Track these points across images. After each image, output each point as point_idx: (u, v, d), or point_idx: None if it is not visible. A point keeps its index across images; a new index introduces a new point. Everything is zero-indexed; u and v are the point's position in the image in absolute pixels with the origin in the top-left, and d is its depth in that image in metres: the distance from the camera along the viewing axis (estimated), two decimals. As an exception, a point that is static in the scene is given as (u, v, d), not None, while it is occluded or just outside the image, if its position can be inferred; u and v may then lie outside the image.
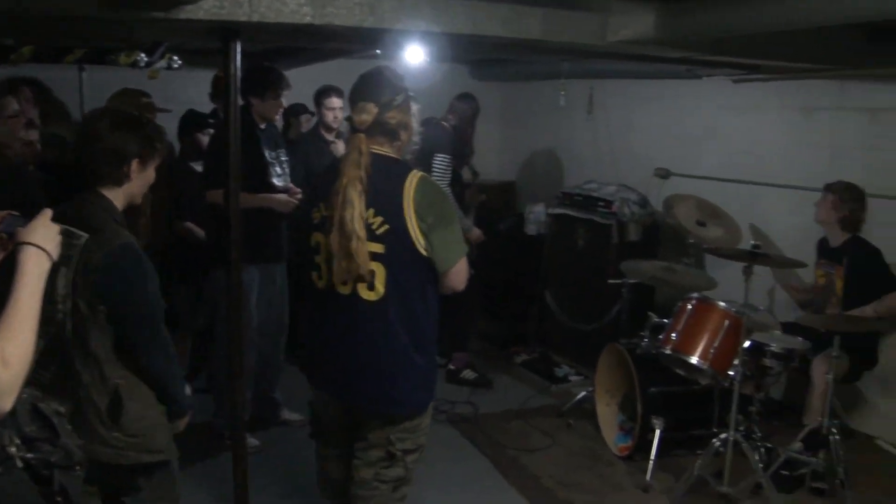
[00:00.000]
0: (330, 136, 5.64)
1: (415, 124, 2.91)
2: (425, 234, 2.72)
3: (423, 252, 2.74)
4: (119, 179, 2.59)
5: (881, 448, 5.19)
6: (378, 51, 4.99)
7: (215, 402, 4.88)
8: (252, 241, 4.06)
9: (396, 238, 2.72)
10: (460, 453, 4.87)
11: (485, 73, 8.00)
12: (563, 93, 6.64)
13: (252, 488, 3.87)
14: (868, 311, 4.66)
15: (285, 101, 4.84)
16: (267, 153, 4.66)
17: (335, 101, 5.59)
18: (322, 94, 5.67)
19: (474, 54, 6.97)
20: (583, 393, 5.45)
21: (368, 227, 2.71)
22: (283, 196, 4.64)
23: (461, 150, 6.07)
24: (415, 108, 2.91)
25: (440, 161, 5.73)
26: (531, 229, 7.21)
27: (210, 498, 4.18)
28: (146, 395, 2.62)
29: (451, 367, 6.12)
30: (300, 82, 5.67)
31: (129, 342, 2.54)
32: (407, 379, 2.87)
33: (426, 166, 5.74)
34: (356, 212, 2.68)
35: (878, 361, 5.07)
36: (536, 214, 7.19)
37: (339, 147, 5.64)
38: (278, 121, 5.14)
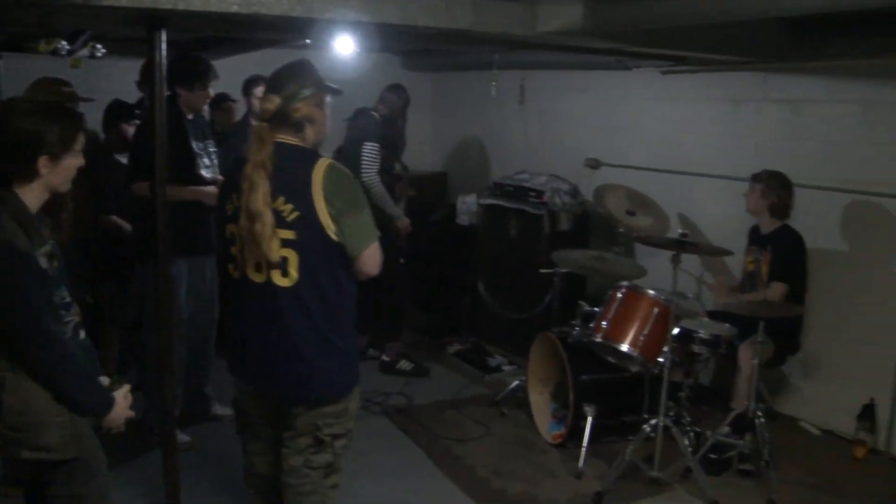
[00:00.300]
0: None
1: (324, 118, 2.92)
2: (335, 220, 2.76)
3: (334, 237, 2.78)
4: (29, 176, 2.53)
5: (804, 429, 5.32)
6: (308, 41, 4.93)
7: (145, 399, 4.79)
8: (180, 233, 3.99)
9: (307, 224, 2.75)
10: (394, 444, 4.86)
11: (416, 64, 7.98)
12: (494, 83, 6.65)
13: (184, 485, 3.83)
14: (759, 295, 4.83)
15: (212, 91, 4.77)
16: (195, 144, 4.58)
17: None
18: (251, 83, 5.60)
19: (405, 45, 6.95)
20: (516, 382, 5.48)
21: (278, 215, 2.74)
22: (211, 188, 4.56)
23: (392, 140, 6.05)
24: (326, 102, 2.92)
25: (369, 150, 5.72)
26: (463, 220, 7.23)
27: (141, 496, 4.10)
28: (32, 390, 2.53)
29: (386, 358, 6.10)
30: (229, 72, 5.60)
31: (4, 338, 2.49)
32: (326, 363, 2.90)
33: (356, 155, 5.72)
34: (260, 194, 2.71)
35: (801, 346, 5.21)
36: (468, 205, 7.21)
37: None
38: (205, 111, 5.05)
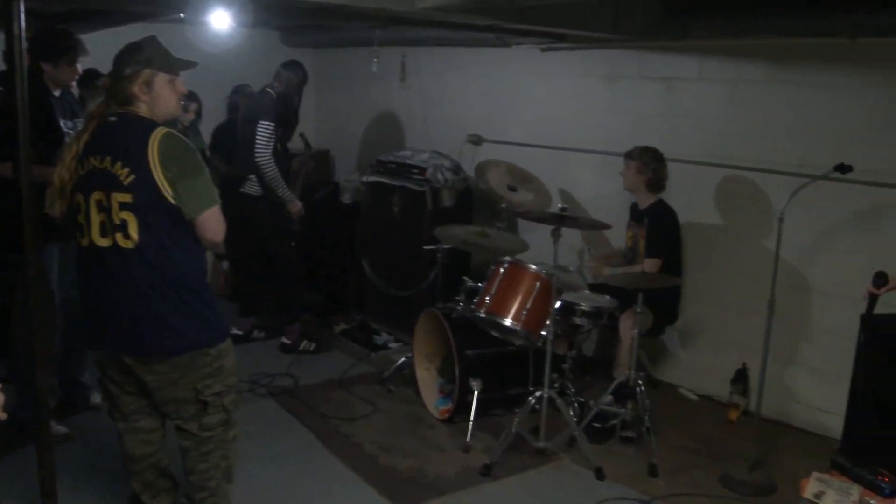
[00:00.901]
0: None
1: (161, 95, 3.05)
2: (172, 183, 2.90)
3: (172, 200, 2.91)
4: None
5: (683, 395, 5.53)
6: (182, 14, 4.79)
7: (16, 391, 4.59)
8: (49, 217, 3.81)
9: (143, 187, 2.89)
10: (281, 426, 4.80)
11: (296, 40, 7.85)
12: (376, 60, 6.61)
13: (65, 477, 3.69)
14: (635, 268, 4.99)
15: (81, 67, 4.56)
16: (62, 123, 4.38)
17: None
18: None
19: (283, 20, 6.82)
20: (402, 359, 5.50)
21: (116, 178, 2.89)
22: None
23: (287, 118, 5.94)
24: (163, 80, 3.04)
25: (263, 128, 5.59)
26: (347, 198, 7.17)
27: (15, 492, 3.93)
28: None
29: (286, 341, 6.04)
30: (101, 46, 5.37)
31: None
32: (177, 319, 3.03)
33: (250, 134, 5.60)
34: (73, 153, 2.98)
35: (678, 316, 5.39)
36: (351, 183, 7.16)
37: None
38: (74, 89, 4.83)
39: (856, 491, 3.24)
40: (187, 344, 3.06)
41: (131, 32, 5.50)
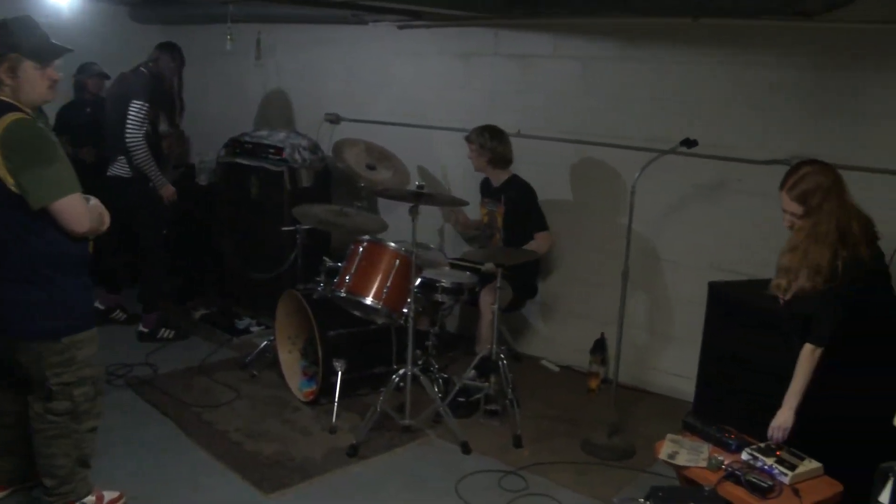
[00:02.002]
0: None
1: (22, 81, 2.97)
2: (13, 173, 2.89)
3: (14, 189, 2.92)
4: None
5: (545, 367, 5.65)
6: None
7: None
8: None
9: None
10: (141, 417, 4.63)
11: (144, 15, 7.55)
12: (229, 37, 6.43)
13: None
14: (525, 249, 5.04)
15: None
16: None
17: None
18: None
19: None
20: (264, 343, 5.40)
21: None
22: None
23: (164, 99, 5.70)
24: (28, 65, 2.96)
25: (136, 109, 5.36)
26: (202, 179, 6.99)
27: None
28: None
29: (143, 329, 5.83)
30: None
31: None
32: (31, 305, 3.07)
33: (121, 114, 5.36)
34: None
35: (538, 290, 5.49)
36: (207, 164, 6.98)
37: None
38: None
39: (706, 449, 3.38)
40: (37, 330, 3.09)
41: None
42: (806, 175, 3.27)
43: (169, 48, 5.74)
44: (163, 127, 5.98)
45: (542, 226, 5.12)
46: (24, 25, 2.97)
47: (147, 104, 5.43)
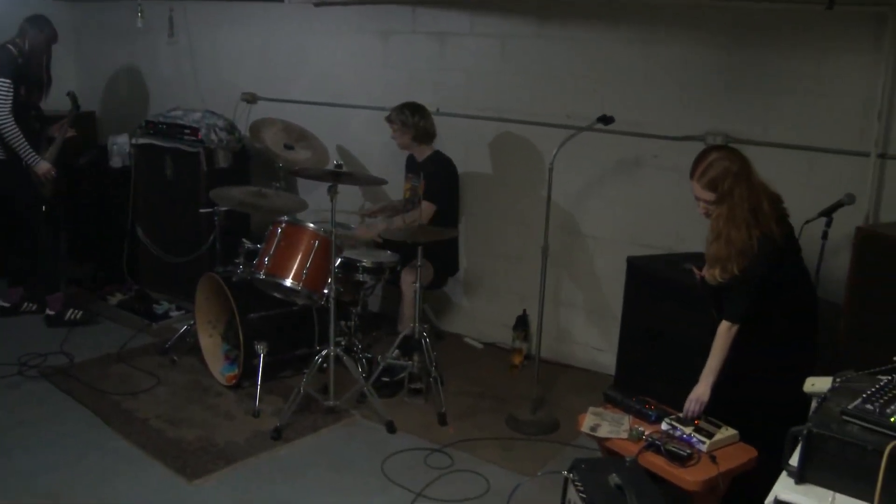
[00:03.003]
0: None
1: None
2: None
3: None
4: None
5: (468, 344, 5.69)
6: None
7: None
8: None
9: None
10: (57, 408, 4.50)
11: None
12: (140, 14, 6.27)
13: None
14: (397, 222, 5.07)
15: None
16: None
17: None
18: None
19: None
20: (184, 327, 5.31)
21: None
22: None
23: (36, 77, 5.49)
24: None
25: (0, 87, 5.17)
26: (116, 162, 6.79)
27: None
28: None
29: (50, 312, 5.68)
30: None
31: None
32: None
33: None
34: None
35: (459, 267, 5.51)
36: (120, 146, 6.78)
37: None
38: None
39: (626, 420, 3.45)
40: None
41: None
42: (713, 162, 3.33)
43: (36, 22, 5.51)
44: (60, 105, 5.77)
45: (432, 197, 5.02)
46: None
47: (9, 81, 5.24)
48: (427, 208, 5.01)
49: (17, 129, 5.26)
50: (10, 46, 5.33)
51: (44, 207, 5.67)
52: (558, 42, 5.08)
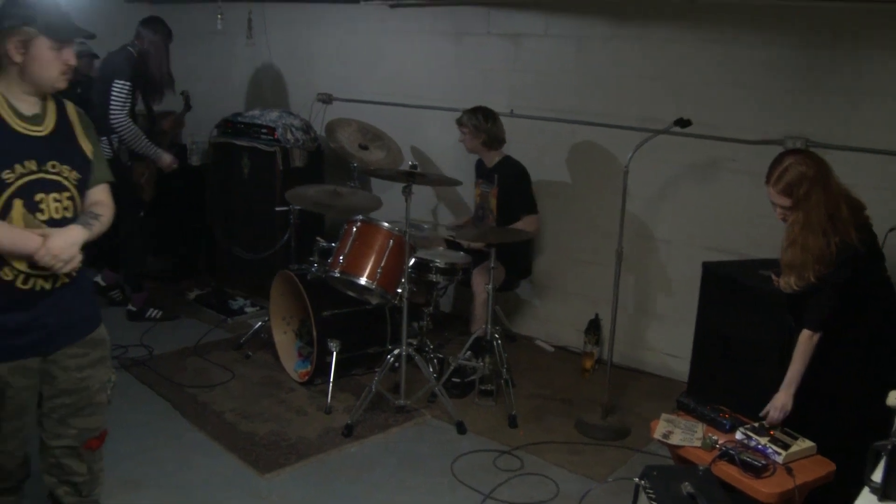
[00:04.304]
0: None
1: (38, 58, 2.60)
2: None
3: None
4: None
5: (539, 347, 5.67)
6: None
7: None
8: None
9: None
10: (136, 399, 4.62)
11: (134, -5, 7.50)
12: (220, 17, 6.39)
13: None
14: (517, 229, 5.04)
15: None
16: None
17: None
18: None
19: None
20: (259, 323, 5.40)
21: None
22: None
23: (151, 77, 5.64)
24: (42, 42, 2.58)
25: (118, 88, 5.32)
26: (194, 160, 6.95)
27: None
28: None
29: (132, 308, 5.83)
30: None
31: None
32: None
33: (105, 95, 5.32)
34: None
35: (531, 270, 5.49)
36: (199, 144, 6.94)
37: None
38: None
39: (700, 428, 3.39)
40: None
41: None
42: (789, 166, 3.26)
43: (151, 23, 5.66)
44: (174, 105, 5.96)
45: (530, 208, 5.12)
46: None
47: (129, 83, 5.38)
48: (530, 220, 5.02)
49: (135, 128, 5.42)
50: (130, 48, 5.49)
51: (142, 213, 5.82)
52: (634, 43, 5.03)
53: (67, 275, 2.70)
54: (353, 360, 4.91)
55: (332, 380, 4.62)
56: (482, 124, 5.09)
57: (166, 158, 5.65)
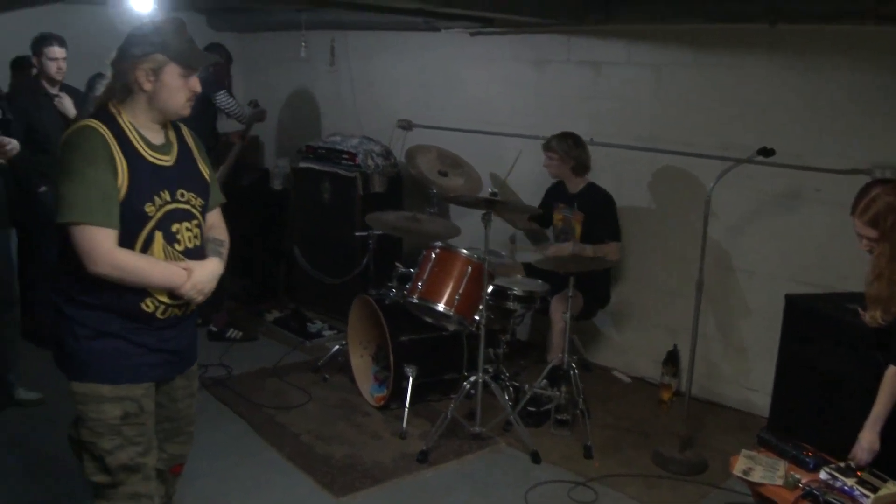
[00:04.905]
0: (53, 90, 5.22)
1: (167, 85, 2.58)
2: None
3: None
4: None
5: (616, 378, 5.60)
6: (103, -5, 4.65)
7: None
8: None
9: None
10: (215, 417, 4.72)
11: (222, 23, 7.70)
12: (303, 44, 6.52)
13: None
14: (588, 250, 5.00)
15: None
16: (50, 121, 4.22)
17: (57, 51, 5.13)
18: (41, 42, 5.17)
19: (209, 2, 6.69)
20: (336, 346, 5.46)
21: None
22: None
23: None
24: (172, 69, 2.58)
25: (222, 98, 5.58)
26: (276, 184, 7.09)
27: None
28: None
29: (213, 328, 5.96)
30: (18, 29, 5.23)
31: None
32: (55, 322, 2.69)
33: (204, 111, 5.51)
34: None
35: (610, 299, 5.45)
36: (281, 169, 7.09)
37: (66, 103, 5.23)
38: None
39: (782, 466, 3.31)
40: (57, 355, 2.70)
41: (50, 14, 5.39)
42: (876, 197, 3.17)
43: (214, 49, 5.91)
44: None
45: (615, 235, 5.08)
46: (174, 26, 2.63)
47: (224, 89, 5.72)
48: (615, 247, 5.00)
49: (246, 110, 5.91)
50: (209, 68, 5.68)
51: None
52: (716, 70, 4.98)
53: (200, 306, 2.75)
54: (429, 385, 4.92)
55: (407, 405, 4.64)
56: (572, 150, 5.09)
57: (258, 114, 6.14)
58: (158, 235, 2.59)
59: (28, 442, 4.27)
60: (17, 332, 4.75)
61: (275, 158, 7.34)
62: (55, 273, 2.65)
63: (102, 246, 2.46)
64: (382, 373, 5.05)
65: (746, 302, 5.03)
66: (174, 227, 2.63)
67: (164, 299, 2.63)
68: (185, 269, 2.62)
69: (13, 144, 4.35)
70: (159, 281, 2.58)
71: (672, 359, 5.17)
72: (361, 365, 5.17)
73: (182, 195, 2.67)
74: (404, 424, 4.58)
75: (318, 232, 6.56)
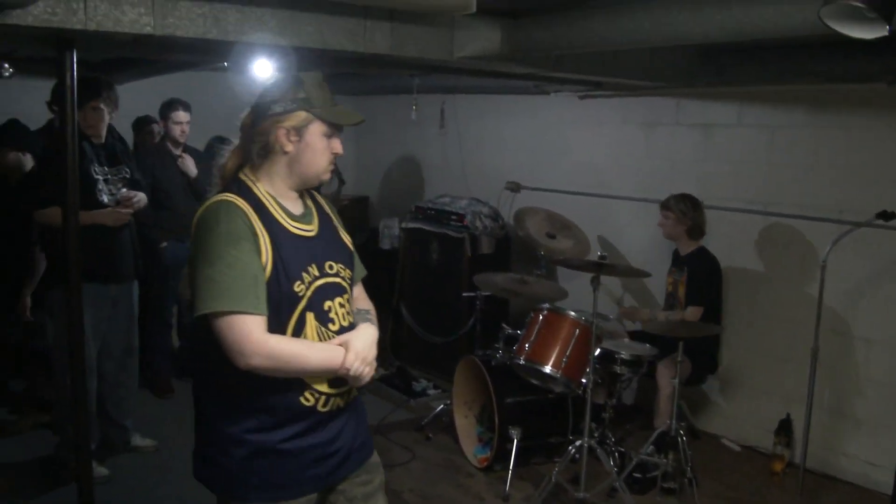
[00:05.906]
0: (177, 151, 5.50)
1: (311, 146, 2.34)
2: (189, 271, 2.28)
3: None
4: None
5: (725, 446, 5.43)
6: (226, 63, 4.88)
7: (58, 433, 4.64)
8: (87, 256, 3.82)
9: None
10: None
11: (336, 87, 7.77)
12: (414, 107, 6.67)
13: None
14: (661, 315, 5.00)
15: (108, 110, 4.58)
16: (95, 169, 4.42)
17: (182, 115, 5.47)
18: (168, 107, 5.52)
19: (324, 68, 6.90)
20: (441, 406, 5.47)
21: None
22: (107, 209, 4.39)
23: None
24: (316, 128, 2.34)
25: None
26: (385, 244, 7.22)
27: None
28: None
29: None
30: (147, 94, 5.52)
31: None
32: (197, 441, 2.47)
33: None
34: None
35: (719, 364, 5.32)
36: (390, 229, 7.21)
37: (188, 163, 5.50)
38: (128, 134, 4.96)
39: (906, 546, 3.16)
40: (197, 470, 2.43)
41: (174, 81, 5.69)
42: None
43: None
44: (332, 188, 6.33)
45: (698, 301, 4.95)
46: (315, 81, 2.37)
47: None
48: (694, 311, 4.92)
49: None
50: None
51: None
52: (831, 131, 4.87)
53: (358, 388, 2.43)
54: (534, 448, 4.87)
55: (511, 467, 4.60)
56: (689, 211, 5.04)
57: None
58: (310, 317, 2.30)
59: (142, 488, 4.40)
60: (136, 381, 4.93)
61: (383, 218, 7.48)
62: (197, 373, 2.44)
63: (253, 335, 2.15)
64: (486, 434, 5.03)
65: (865, 370, 4.84)
66: (326, 305, 2.34)
67: (325, 388, 2.34)
68: (340, 344, 2.32)
69: (139, 197, 4.56)
70: (318, 363, 2.28)
71: (785, 428, 5.00)
72: (466, 425, 5.17)
73: (331, 267, 2.38)
74: (507, 487, 4.54)
75: (426, 291, 6.63)
